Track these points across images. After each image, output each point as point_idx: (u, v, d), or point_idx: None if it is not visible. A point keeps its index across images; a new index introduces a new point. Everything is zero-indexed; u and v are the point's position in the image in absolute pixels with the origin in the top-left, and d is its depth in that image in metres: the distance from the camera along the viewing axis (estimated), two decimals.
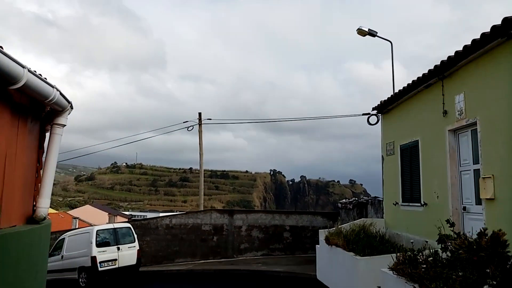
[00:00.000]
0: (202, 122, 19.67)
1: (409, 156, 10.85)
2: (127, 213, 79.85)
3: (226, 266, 16.45)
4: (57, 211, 60.23)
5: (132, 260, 15.16)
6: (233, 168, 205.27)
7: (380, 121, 13.26)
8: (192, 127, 19.67)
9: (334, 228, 12.29)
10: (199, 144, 19.83)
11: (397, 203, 11.44)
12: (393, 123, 12.24)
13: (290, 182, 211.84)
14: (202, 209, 20.03)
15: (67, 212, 60.51)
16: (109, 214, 57.46)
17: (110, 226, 15.47)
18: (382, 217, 12.94)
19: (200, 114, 19.95)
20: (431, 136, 9.67)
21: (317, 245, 13.01)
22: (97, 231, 14.74)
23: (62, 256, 15.53)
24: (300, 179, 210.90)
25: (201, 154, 19.91)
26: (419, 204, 10.14)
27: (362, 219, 12.79)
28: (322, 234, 12.49)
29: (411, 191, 10.82)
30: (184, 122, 19.75)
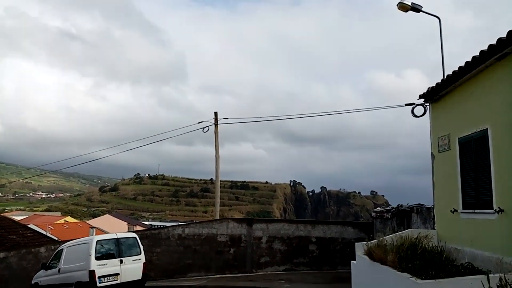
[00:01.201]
0: (218, 122, 17.60)
1: (473, 150, 8.38)
2: (147, 223, 78.31)
3: (243, 282, 14.12)
4: (77, 221, 59.05)
5: (137, 275, 13.02)
6: (253, 179, 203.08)
7: (428, 111, 10.82)
8: (208, 127, 17.61)
9: (374, 241, 9.88)
10: (215, 146, 17.73)
11: (455, 210, 8.93)
12: (448, 111, 9.78)
13: (311, 193, 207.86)
14: (218, 217, 17.82)
15: (86, 221, 59.27)
16: (128, 223, 55.88)
17: (113, 236, 13.39)
18: (433, 228, 10.46)
19: (216, 113, 17.91)
20: (509, 121, 7.24)
21: (352, 261, 10.59)
22: (97, 241, 12.69)
23: (59, 269, 13.53)
24: (320, 190, 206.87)
25: (217, 158, 17.79)
26: (490, 211, 7.65)
27: (408, 230, 10.32)
28: (360, 248, 10.08)
29: (476, 194, 8.32)
30: (199, 123, 17.75)
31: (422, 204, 12.01)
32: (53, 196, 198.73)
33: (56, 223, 50.56)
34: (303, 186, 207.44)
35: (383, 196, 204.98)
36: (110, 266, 12.48)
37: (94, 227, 44.89)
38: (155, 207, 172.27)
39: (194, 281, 15.39)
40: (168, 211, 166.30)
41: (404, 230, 12.80)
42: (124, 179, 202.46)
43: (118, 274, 12.55)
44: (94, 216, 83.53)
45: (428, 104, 10.87)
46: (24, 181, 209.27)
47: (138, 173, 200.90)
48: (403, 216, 13.09)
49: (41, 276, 14.44)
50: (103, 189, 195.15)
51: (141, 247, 13.56)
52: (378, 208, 15.28)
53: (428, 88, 10.22)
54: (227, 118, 17.46)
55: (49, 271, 14.06)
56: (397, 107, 12.58)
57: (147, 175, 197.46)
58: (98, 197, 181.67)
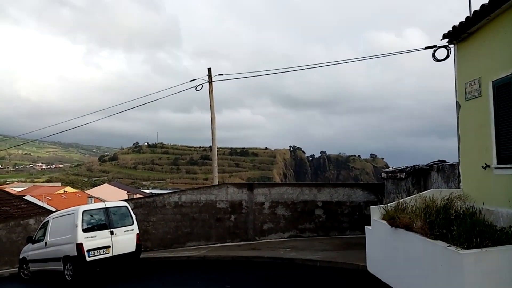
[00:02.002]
0: (212, 79, 16.07)
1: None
2: (147, 191, 77.89)
3: (246, 251, 13.12)
4: (76, 190, 58.41)
5: (130, 247, 11.97)
6: (253, 145, 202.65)
7: (453, 53, 9.37)
8: (201, 85, 16.11)
9: (393, 204, 8.71)
10: (210, 105, 16.29)
11: (487, 166, 7.68)
12: (478, 52, 8.32)
13: (310, 158, 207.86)
14: (217, 183, 16.65)
15: (85, 191, 58.63)
16: (128, 192, 55.21)
17: (101, 205, 12.23)
18: (458, 187, 9.26)
19: (209, 69, 16.35)
20: None
21: (367, 227, 9.47)
22: (83, 211, 11.52)
23: (45, 243, 12.47)
24: (320, 155, 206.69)
25: (212, 118, 16.40)
26: None
27: (430, 190, 9.10)
28: (376, 211, 8.91)
29: None
30: (191, 81, 16.22)
31: (443, 161, 10.76)
32: (53, 167, 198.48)
33: (55, 194, 49.81)
34: (302, 151, 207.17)
35: (382, 159, 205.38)
36: (99, 238, 11.40)
37: (93, 197, 44.15)
38: (156, 175, 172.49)
39: (194, 250, 14.42)
40: (168, 179, 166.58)
41: (421, 191, 11.63)
42: (123, 148, 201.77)
43: (109, 246, 11.50)
44: (95, 186, 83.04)
45: (452, 45, 9.42)
46: (24, 153, 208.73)
47: (137, 142, 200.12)
48: (419, 175, 11.89)
49: (28, 251, 13.42)
50: (103, 158, 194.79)
51: (134, 216, 12.47)
52: (390, 168, 14.07)
53: (453, 26, 8.74)
54: (222, 75, 15.96)
55: (36, 245, 13.02)
56: (416, 51, 11.11)
57: (146, 143, 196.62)
58: (98, 167, 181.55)
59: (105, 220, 11.81)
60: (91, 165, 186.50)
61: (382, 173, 14.59)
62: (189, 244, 15.45)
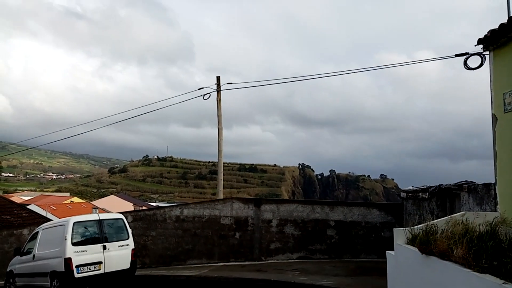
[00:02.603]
0: (221, 88, 15.16)
1: None
2: (154, 204, 76.86)
3: (250, 273, 11.92)
4: (82, 201, 57.70)
5: (124, 263, 10.90)
6: (262, 161, 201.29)
7: (488, 61, 8.29)
8: (209, 94, 15.19)
9: (421, 226, 7.53)
10: (218, 115, 15.33)
11: None
12: None
13: (319, 176, 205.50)
14: (222, 197, 15.55)
15: (91, 202, 57.85)
16: (134, 204, 54.27)
17: (94, 217, 11.19)
18: (494, 210, 8.07)
19: (218, 78, 15.45)
20: None
21: (389, 252, 8.28)
22: (74, 223, 10.49)
23: (33, 256, 11.44)
24: (329, 173, 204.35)
25: (219, 129, 15.42)
26: None
27: (461, 212, 7.91)
28: (401, 234, 7.71)
29: None
30: (199, 89, 15.33)
31: (472, 182, 9.55)
32: (63, 177, 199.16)
33: (60, 204, 49.04)
34: (311, 169, 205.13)
35: (392, 179, 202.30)
36: (90, 253, 10.34)
37: (97, 208, 43.26)
38: (164, 188, 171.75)
39: (194, 269, 13.25)
40: (177, 192, 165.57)
41: (447, 213, 10.41)
42: (133, 161, 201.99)
43: (100, 262, 10.43)
44: (103, 197, 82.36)
45: (488, 52, 8.36)
46: (35, 162, 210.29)
47: (146, 155, 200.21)
48: (445, 196, 10.68)
49: (16, 263, 12.40)
50: (112, 170, 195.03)
51: (129, 230, 11.40)
52: (410, 187, 12.86)
53: (489, 31, 7.72)
54: (231, 83, 15.02)
55: (24, 257, 11.99)
56: (446, 58, 10.05)
57: (155, 157, 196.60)
58: (108, 179, 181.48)
59: (98, 234, 10.76)
60: (101, 176, 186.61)
61: (401, 193, 13.37)
62: (190, 262, 14.29)
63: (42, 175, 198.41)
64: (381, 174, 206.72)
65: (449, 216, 7.86)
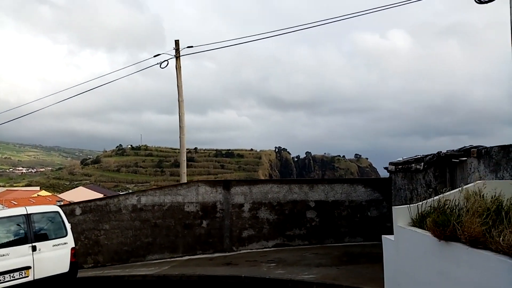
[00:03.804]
0: (181, 54, 12.93)
1: None
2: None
3: (219, 268, 10.00)
4: (48, 194, 54.44)
5: (61, 267, 8.76)
6: (238, 146, 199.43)
7: None
8: (167, 62, 12.93)
9: (428, 202, 5.74)
10: (177, 86, 13.12)
11: None
12: None
13: (295, 159, 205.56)
14: (185, 180, 13.47)
15: (58, 195, 54.69)
16: (104, 195, 51.42)
17: (20, 211, 8.93)
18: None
19: (177, 42, 13.19)
20: None
21: (386, 236, 6.46)
22: None
23: None
24: (305, 155, 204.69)
25: (180, 101, 13.23)
26: None
27: (479, 182, 6.17)
28: (403, 214, 5.84)
29: None
30: (155, 56, 13.05)
31: (482, 145, 7.84)
32: (34, 171, 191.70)
33: (23, 198, 45.80)
34: (288, 152, 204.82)
35: (367, 158, 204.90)
36: (14, 257, 8.14)
37: (62, 200, 40.44)
38: (140, 178, 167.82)
39: (154, 266, 11.22)
40: (153, 181, 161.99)
41: (447, 186, 8.67)
42: (106, 151, 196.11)
43: (29, 267, 8.27)
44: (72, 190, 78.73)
45: None
46: (3, 157, 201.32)
47: (120, 145, 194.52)
48: (443, 166, 8.97)
49: None
50: (85, 162, 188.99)
51: (68, 225, 9.22)
52: (400, 158, 11.14)
53: None
54: (192, 47, 12.78)
55: None
56: None
57: (129, 146, 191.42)
58: (80, 170, 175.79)
59: (25, 231, 8.55)
60: (73, 168, 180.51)
61: (389, 166, 11.64)
62: (150, 257, 12.25)
63: (11, 170, 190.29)
64: (356, 154, 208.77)
65: (463, 186, 6.08)
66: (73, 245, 9.10)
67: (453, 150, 8.35)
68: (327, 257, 10.07)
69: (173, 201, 12.40)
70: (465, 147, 8.07)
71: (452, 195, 5.55)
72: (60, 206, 13.84)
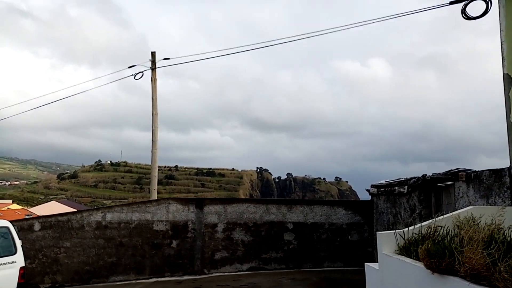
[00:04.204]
0: (157, 66, 12.28)
1: None
2: None
3: None
4: (19, 207, 52.07)
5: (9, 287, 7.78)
6: (220, 166, 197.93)
7: (499, 5, 6.07)
8: (142, 73, 12.26)
9: (416, 227, 5.11)
10: (152, 98, 12.41)
11: None
12: None
13: (277, 180, 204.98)
14: (155, 197, 12.61)
15: (28, 209, 52.35)
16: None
17: None
18: (510, 204, 5.84)
19: (153, 54, 12.55)
20: None
21: (369, 264, 5.83)
22: None
23: None
24: (286, 177, 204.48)
25: (154, 115, 12.49)
26: None
27: (470, 207, 5.60)
28: (389, 240, 5.22)
29: None
30: (129, 67, 12.36)
31: (469, 169, 7.34)
32: (7, 184, 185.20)
33: None
34: (269, 172, 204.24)
35: (346, 182, 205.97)
36: None
37: (32, 214, 38.47)
38: (118, 194, 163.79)
39: None
40: (131, 198, 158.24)
41: (432, 211, 8.15)
42: (84, 166, 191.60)
43: None
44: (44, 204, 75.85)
45: None
46: None
47: (99, 160, 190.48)
48: (429, 189, 8.44)
49: None
50: (62, 176, 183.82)
51: (18, 243, 8.28)
52: (382, 181, 10.59)
53: None
54: (168, 59, 12.16)
55: None
56: (441, 6, 7.79)
57: (108, 162, 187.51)
58: (57, 185, 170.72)
59: None
60: (49, 182, 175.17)
61: (371, 188, 11.08)
62: (114, 278, 11.22)
63: None
64: (336, 177, 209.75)
65: (456, 212, 5.51)
66: (23, 265, 8.15)
67: (439, 173, 7.84)
68: (305, 283, 9.31)
69: (141, 219, 11.49)
70: (452, 170, 7.56)
71: (444, 221, 4.96)
72: (17, 221, 12.76)
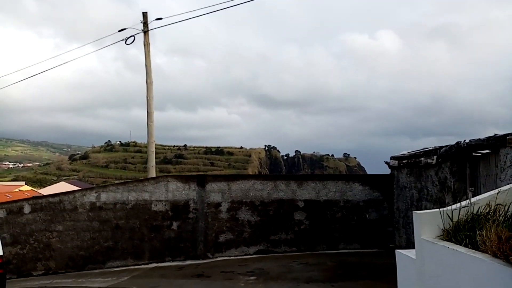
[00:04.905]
0: (149, 28, 10.99)
1: None
2: None
3: (187, 281, 8.10)
4: (28, 189, 51.89)
5: None
6: (228, 144, 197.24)
7: None
8: (133, 37, 10.98)
9: (463, 204, 3.95)
10: (145, 65, 11.18)
11: None
12: None
13: (285, 157, 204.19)
14: (154, 174, 11.54)
15: (37, 190, 52.16)
16: None
17: None
18: None
19: (145, 14, 11.23)
20: None
21: (401, 251, 4.66)
22: None
23: None
24: (294, 154, 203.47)
25: (148, 83, 11.28)
26: None
27: None
28: (430, 222, 4.06)
29: None
30: (119, 31, 11.10)
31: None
32: (20, 166, 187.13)
33: (0, 193, 43.22)
34: (277, 150, 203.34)
35: (355, 158, 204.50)
36: None
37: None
38: (128, 174, 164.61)
39: (112, 276, 9.28)
40: (142, 178, 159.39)
41: (467, 184, 6.93)
42: (94, 147, 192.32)
43: None
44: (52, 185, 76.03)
45: None
46: None
47: (109, 141, 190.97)
48: (463, 160, 7.18)
49: None
50: (73, 157, 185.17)
51: None
52: (404, 152, 9.34)
53: None
54: (161, 19, 10.85)
55: None
56: None
57: (118, 142, 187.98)
58: (68, 166, 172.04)
59: None
60: (61, 163, 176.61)
61: (391, 161, 9.83)
62: (111, 264, 10.28)
63: None
64: (344, 153, 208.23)
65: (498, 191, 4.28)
66: (1, 253, 7.15)
67: (478, 139, 6.56)
68: (319, 268, 8.24)
69: (138, 199, 10.44)
70: (495, 135, 6.28)
71: (501, 197, 3.76)
72: (6, 203, 11.80)
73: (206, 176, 10.82)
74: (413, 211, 4.32)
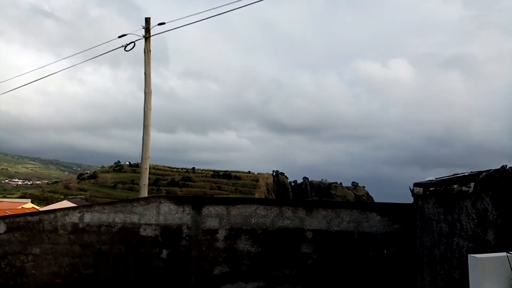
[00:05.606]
0: (151, 33, 10.11)
1: None
2: None
3: None
4: (30, 206, 50.98)
5: None
6: (236, 168, 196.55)
7: None
8: (133, 43, 10.09)
9: None
10: (145, 73, 10.23)
11: None
12: None
13: (292, 183, 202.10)
14: (146, 195, 10.34)
15: (39, 208, 51.13)
16: None
17: None
18: None
19: (147, 20, 10.37)
20: None
21: None
22: None
23: None
24: (302, 180, 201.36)
25: (146, 93, 10.29)
26: None
27: None
28: (496, 270, 2.83)
29: None
30: (119, 37, 10.23)
31: None
32: (29, 183, 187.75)
33: (2, 210, 42.35)
34: (285, 176, 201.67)
35: (363, 187, 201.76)
36: None
37: None
38: (135, 195, 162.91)
39: None
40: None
41: None
42: (104, 167, 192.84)
43: None
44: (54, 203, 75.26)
45: None
46: (0, 168, 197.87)
47: (118, 161, 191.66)
48: (509, 188, 5.88)
49: None
50: (82, 176, 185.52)
51: None
52: (431, 178, 8.05)
53: None
54: (164, 23, 9.97)
55: None
56: None
57: (127, 163, 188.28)
58: (76, 185, 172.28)
59: None
60: (69, 182, 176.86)
61: (415, 188, 8.51)
62: None
63: (7, 181, 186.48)
64: (353, 182, 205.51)
65: None
66: None
67: None
68: None
69: (125, 221, 9.20)
70: None
71: None
72: None
73: (203, 198, 9.55)
74: (469, 254, 3.04)
